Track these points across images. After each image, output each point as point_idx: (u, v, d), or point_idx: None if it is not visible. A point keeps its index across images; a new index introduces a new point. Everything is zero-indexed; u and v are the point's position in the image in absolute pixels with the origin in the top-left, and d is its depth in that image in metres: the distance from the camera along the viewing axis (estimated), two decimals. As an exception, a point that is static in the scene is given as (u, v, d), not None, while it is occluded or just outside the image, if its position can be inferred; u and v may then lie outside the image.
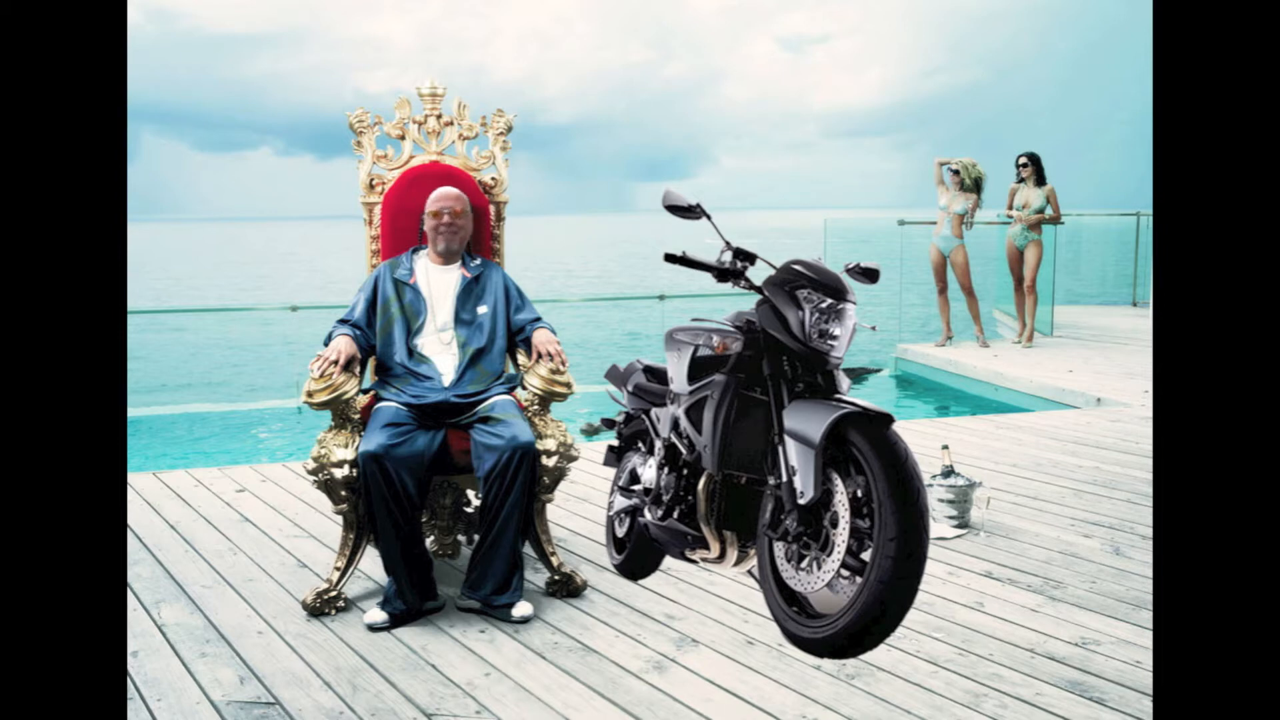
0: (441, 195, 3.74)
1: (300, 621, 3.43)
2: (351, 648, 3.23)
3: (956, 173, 9.30)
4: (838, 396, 2.31)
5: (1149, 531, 4.28)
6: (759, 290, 2.49)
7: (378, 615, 3.38)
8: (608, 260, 50.02)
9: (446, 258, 3.75)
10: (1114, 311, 12.71)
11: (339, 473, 3.44)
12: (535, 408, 3.61)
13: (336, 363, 3.44)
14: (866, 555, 2.11)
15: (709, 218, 2.61)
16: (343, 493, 3.47)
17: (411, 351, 3.65)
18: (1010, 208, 9.54)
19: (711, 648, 3.21)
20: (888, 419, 2.19)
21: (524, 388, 3.62)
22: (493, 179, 4.04)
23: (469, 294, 3.72)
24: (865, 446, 2.13)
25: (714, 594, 3.64)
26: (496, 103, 4.70)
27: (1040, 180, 9.38)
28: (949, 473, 4.42)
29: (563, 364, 3.60)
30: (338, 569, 3.54)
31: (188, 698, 2.91)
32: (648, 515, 2.85)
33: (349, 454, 3.45)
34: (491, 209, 4.01)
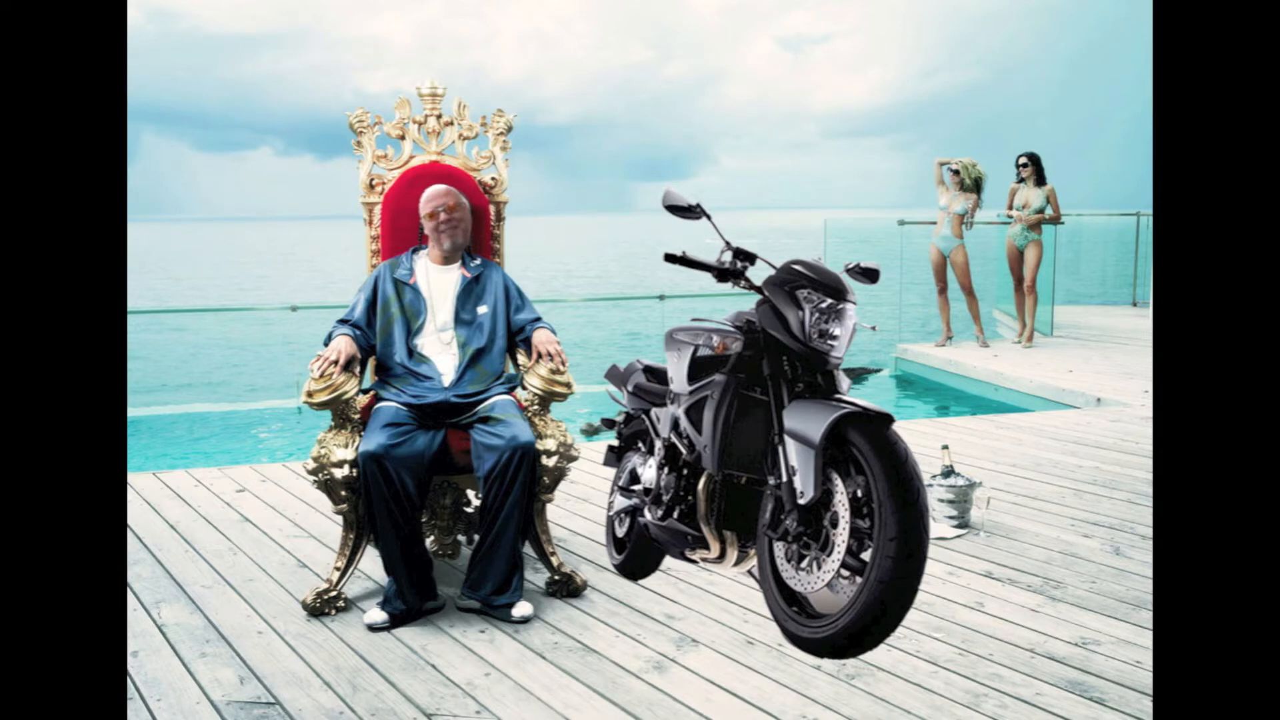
0: (431, 195, 3.74)
1: (300, 621, 3.44)
2: (351, 648, 3.23)
3: (956, 173, 9.30)
4: (838, 396, 2.31)
5: (1149, 531, 4.28)
6: (759, 290, 2.49)
7: (378, 615, 3.38)
8: (608, 260, 50.01)
9: (448, 256, 3.75)
10: (1114, 311, 12.71)
11: (339, 473, 3.45)
12: (535, 408, 3.61)
13: (336, 363, 3.44)
14: (866, 555, 2.11)
15: (709, 218, 2.61)
16: (343, 493, 3.47)
17: (411, 351, 3.64)
18: (1010, 208, 9.53)
19: (711, 648, 3.21)
20: (888, 419, 2.19)
21: (524, 388, 3.62)
22: (493, 179, 4.04)
23: (469, 294, 3.72)
24: (865, 446, 2.13)
25: (714, 594, 3.64)
26: (496, 103, 4.70)
27: (1040, 180, 9.38)
28: (949, 473, 4.42)
29: (563, 364, 3.60)
30: (338, 569, 3.54)
31: (188, 698, 2.92)
32: (648, 515, 2.85)
33: (349, 454, 3.45)
34: (491, 209, 4.01)
